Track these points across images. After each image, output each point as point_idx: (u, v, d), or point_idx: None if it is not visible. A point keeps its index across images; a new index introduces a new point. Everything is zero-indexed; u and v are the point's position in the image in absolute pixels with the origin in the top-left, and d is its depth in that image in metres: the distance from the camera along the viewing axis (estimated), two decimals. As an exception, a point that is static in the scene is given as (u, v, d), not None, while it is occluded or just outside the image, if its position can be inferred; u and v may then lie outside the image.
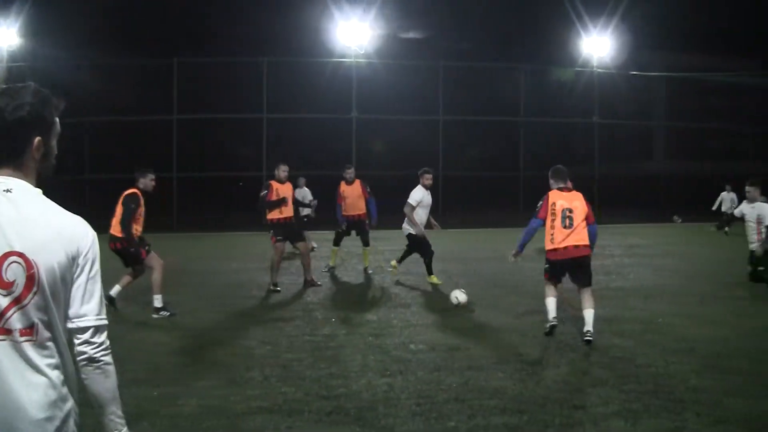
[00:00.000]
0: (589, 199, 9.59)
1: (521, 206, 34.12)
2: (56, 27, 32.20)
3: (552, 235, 9.26)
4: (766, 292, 11.88)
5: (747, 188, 11.62)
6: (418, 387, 6.93)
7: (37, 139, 2.50)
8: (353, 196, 15.28)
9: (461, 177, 35.52)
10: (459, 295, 11.22)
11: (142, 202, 10.66)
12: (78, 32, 32.82)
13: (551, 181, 9.68)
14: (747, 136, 59.40)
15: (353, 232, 15.64)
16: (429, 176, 13.85)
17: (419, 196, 13.63)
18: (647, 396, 6.67)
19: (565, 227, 9.18)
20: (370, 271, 15.64)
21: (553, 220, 9.28)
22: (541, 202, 9.49)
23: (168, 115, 31.15)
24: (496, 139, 39.38)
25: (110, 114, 30.69)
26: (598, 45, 35.99)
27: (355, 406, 6.40)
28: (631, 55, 40.61)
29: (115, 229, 10.42)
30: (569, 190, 9.58)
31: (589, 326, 8.88)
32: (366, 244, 15.66)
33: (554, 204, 9.34)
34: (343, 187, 15.28)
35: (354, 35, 31.74)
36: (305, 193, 19.99)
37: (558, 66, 39.27)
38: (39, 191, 2.53)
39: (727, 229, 25.07)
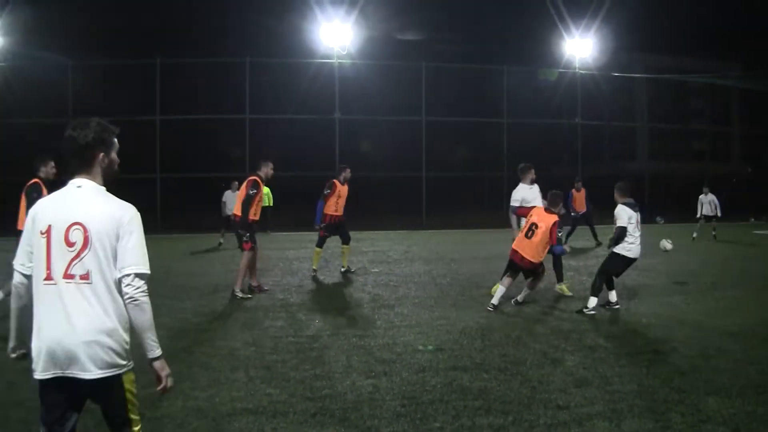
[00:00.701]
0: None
1: (505, 207, 34.13)
2: (38, 27, 32.05)
3: (519, 238, 11.50)
4: (750, 292, 11.94)
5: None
6: (403, 388, 6.94)
7: (101, 154, 3.90)
8: (344, 196, 15.39)
9: (445, 178, 35.53)
10: (667, 245, 13.40)
11: (44, 191, 10.29)
12: (60, 32, 32.68)
13: (545, 201, 11.74)
14: (729, 137, 59.87)
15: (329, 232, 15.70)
16: (531, 171, 13.24)
17: (520, 195, 13.09)
18: (631, 396, 6.70)
19: (527, 237, 11.27)
20: (353, 270, 15.69)
21: (522, 228, 11.61)
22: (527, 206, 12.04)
23: (151, 116, 31.00)
24: (479, 140, 39.44)
25: (93, 115, 30.45)
26: (580, 47, 36.13)
27: (339, 407, 6.39)
28: (613, 56, 40.80)
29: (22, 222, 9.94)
30: (551, 212, 11.35)
31: (519, 297, 11.66)
32: (348, 241, 15.76)
33: (531, 215, 11.50)
34: (339, 186, 15.27)
35: (337, 36, 31.70)
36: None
37: (541, 67, 39.37)
38: (103, 188, 3.90)
39: (714, 232, 25.29)
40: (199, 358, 8.14)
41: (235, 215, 13.05)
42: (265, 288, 13.28)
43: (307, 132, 35.20)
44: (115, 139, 4.02)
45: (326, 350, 8.56)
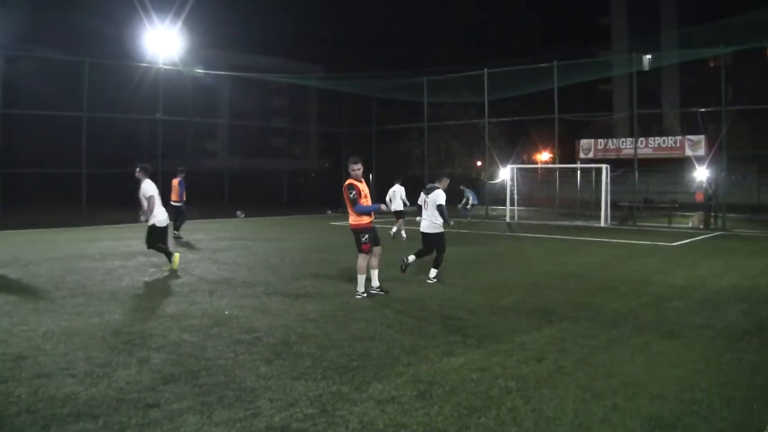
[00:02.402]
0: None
1: (85, 204, 33.12)
2: None
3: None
4: (322, 280, 12.75)
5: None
6: (-18, 402, 6.51)
7: None
8: None
9: (21, 174, 33.68)
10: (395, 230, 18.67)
11: None
12: None
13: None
14: (308, 135, 63.43)
15: None
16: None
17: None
18: (219, 388, 6.90)
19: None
20: None
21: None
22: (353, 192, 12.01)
23: None
24: (59, 135, 37.80)
25: None
26: (164, 42, 36.10)
27: None
28: (198, 53, 41.31)
29: None
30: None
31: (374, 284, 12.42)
32: None
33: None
34: None
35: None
36: None
37: (124, 61, 38.75)
38: None
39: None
40: None
41: None
42: None
43: None
44: None
45: None
